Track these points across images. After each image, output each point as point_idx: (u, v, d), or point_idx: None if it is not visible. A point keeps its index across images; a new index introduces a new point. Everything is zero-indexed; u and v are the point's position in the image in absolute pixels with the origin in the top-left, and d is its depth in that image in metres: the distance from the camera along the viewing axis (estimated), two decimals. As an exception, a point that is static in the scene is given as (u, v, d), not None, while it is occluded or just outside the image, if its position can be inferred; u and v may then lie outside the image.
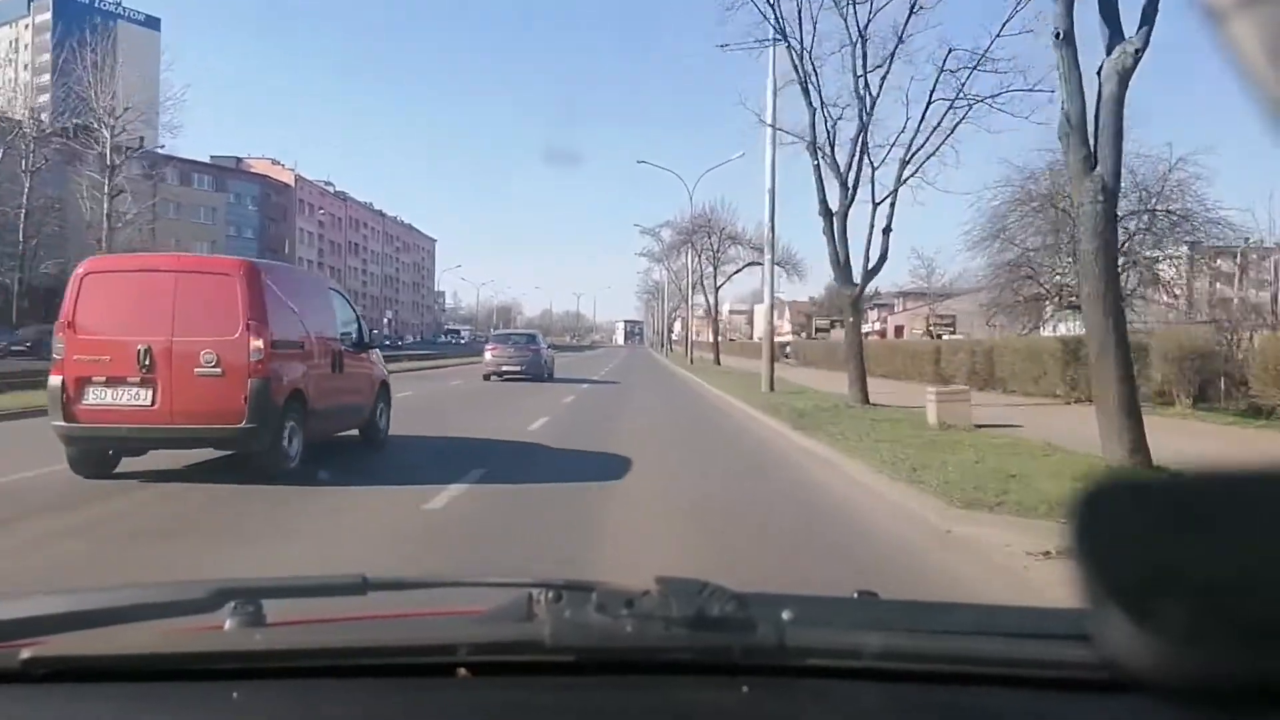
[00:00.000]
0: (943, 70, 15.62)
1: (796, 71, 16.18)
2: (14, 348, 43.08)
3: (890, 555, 5.60)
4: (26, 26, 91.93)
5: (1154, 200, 21.67)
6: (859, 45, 15.74)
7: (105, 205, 57.95)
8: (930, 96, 15.76)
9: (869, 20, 15.68)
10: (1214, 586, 0.51)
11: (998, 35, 15.33)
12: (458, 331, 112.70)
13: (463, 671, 1.06)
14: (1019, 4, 14.78)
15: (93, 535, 5.99)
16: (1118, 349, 7.44)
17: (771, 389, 20.68)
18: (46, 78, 78.22)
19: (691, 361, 49.32)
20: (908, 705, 1.04)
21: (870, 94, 15.83)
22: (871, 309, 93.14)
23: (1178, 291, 24.63)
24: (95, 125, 59.82)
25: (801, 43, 16.06)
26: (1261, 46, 0.47)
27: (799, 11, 16.00)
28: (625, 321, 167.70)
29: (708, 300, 53.23)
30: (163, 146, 62.64)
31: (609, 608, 1.04)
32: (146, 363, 7.52)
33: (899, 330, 64.68)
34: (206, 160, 79.82)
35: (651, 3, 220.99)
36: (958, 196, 30.12)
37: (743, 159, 37.03)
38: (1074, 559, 0.54)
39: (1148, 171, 21.30)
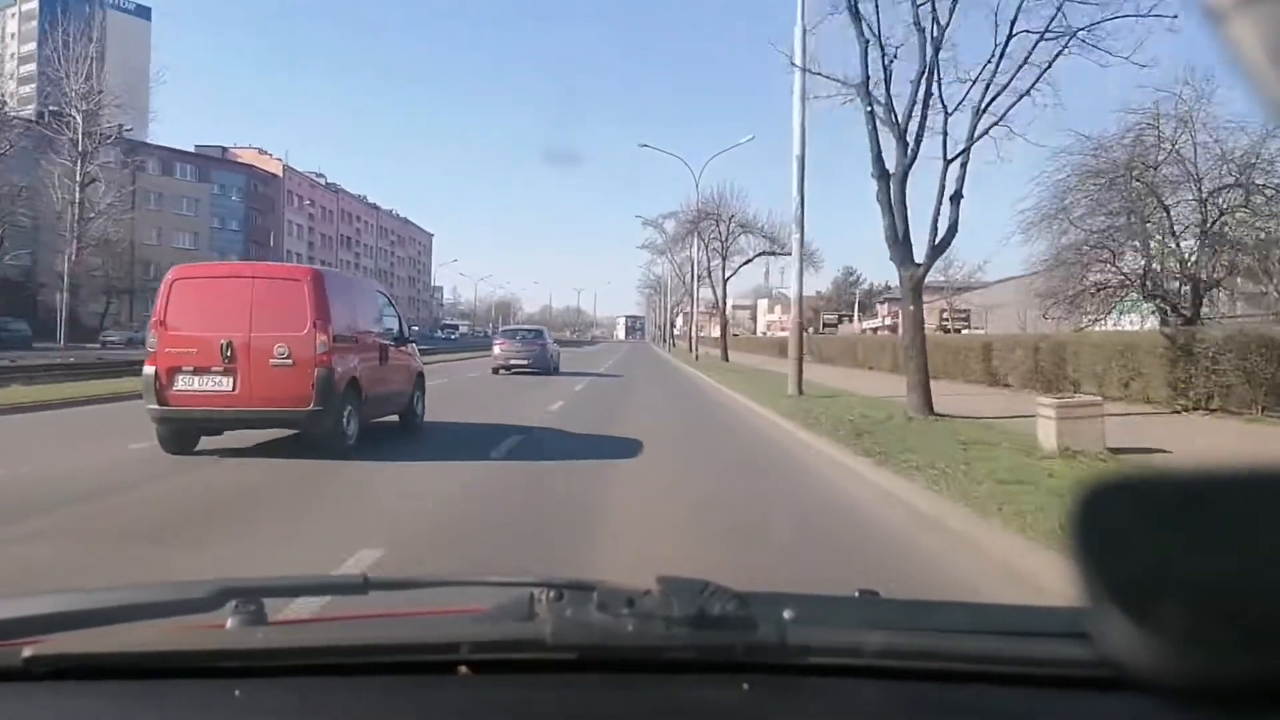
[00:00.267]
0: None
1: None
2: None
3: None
4: (14, 15, 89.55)
5: (1249, 173, 18.31)
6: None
7: (76, 194, 54.95)
8: (1011, 27, 12.36)
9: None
10: (1214, 586, 0.51)
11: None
12: (455, 327, 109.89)
13: (464, 670, 1.07)
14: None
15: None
16: None
17: (800, 391, 17.36)
18: (33, 66, 75.45)
19: (697, 358, 45.72)
20: (908, 703, 1.04)
21: (938, 23, 12.41)
22: (882, 303, 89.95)
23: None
24: (66, 109, 56.78)
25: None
26: (1261, 46, 0.47)
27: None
28: (626, 317, 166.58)
29: (715, 293, 49.60)
30: (130, 129, 59.48)
31: (610, 606, 1.04)
32: (228, 355, 8.55)
33: (911, 325, 60.97)
34: (190, 150, 76.41)
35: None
36: (992, 179, 26.56)
37: (752, 142, 33.60)
38: (1074, 558, 0.54)
39: (1236, 143, 17.97)
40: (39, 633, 1.14)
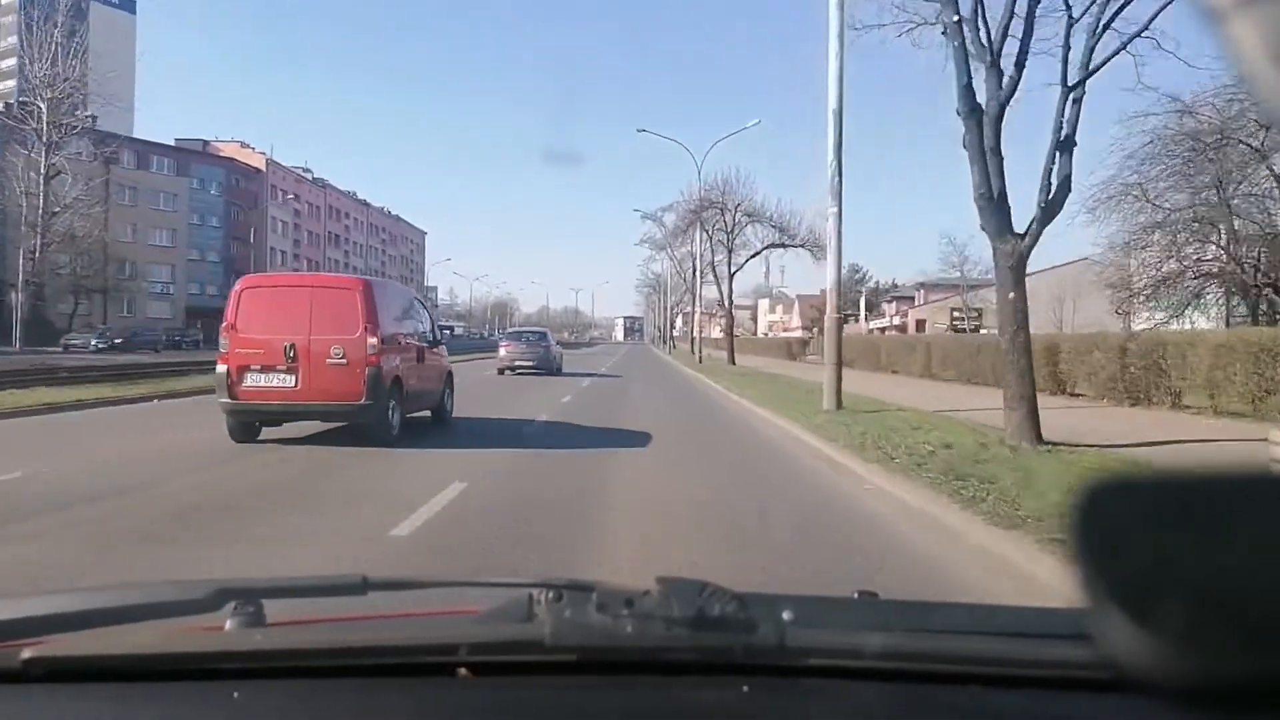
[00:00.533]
0: None
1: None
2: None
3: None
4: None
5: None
6: None
7: (41, 186, 51.49)
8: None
9: None
10: (1215, 587, 0.51)
11: None
12: (450, 328, 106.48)
13: (463, 671, 1.07)
14: None
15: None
16: None
17: (839, 404, 13.94)
18: (13, 61, 72.11)
19: (700, 360, 42.20)
20: (908, 705, 1.03)
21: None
22: (889, 302, 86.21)
23: None
24: (30, 98, 53.37)
25: None
26: (1261, 46, 0.47)
27: None
28: (625, 318, 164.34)
29: (720, 289, 46.00)
30: (96, 117, 56.05)
31: (609, 607, 1.03)
32: (291, 355, 9.65)
33: (920, 325, 57.88)
34: (170, 143, 72.82)
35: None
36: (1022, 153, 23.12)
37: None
38: (1074, 558, 0.54)
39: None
40: (37, 634, 1.13)
